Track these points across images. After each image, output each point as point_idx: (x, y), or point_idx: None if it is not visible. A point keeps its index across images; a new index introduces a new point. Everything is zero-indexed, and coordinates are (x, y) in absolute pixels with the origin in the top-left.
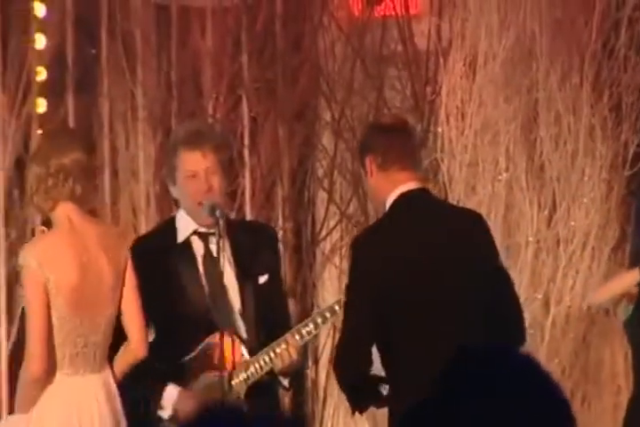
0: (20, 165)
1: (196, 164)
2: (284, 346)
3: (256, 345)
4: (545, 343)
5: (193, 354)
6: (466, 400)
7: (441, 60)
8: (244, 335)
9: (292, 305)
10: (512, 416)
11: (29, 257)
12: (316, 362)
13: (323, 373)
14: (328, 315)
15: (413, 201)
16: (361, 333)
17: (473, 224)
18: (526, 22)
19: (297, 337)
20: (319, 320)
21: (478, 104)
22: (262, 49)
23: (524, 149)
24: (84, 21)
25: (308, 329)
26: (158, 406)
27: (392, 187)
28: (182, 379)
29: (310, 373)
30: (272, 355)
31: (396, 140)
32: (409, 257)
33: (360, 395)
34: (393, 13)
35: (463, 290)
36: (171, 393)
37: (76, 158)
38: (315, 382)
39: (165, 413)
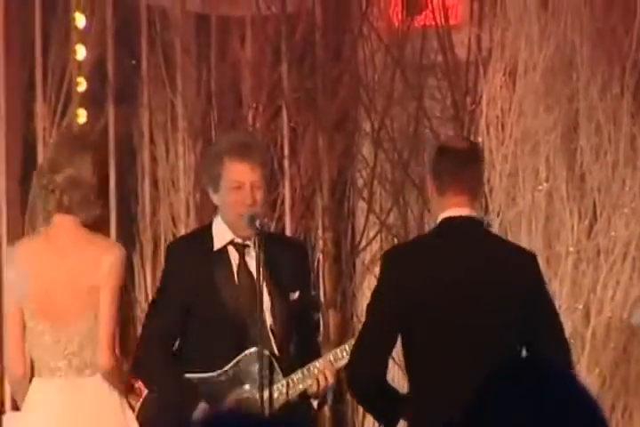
0: None
1: (243, 176)
2: (320, 368)
3: (286, 362)
4: (585, 354)
5: (226, 368)
6: (502, 414)
7: (481, 70)
8: (276, 351)
9: (331, 315)
10: None
11: (10, 264)
12: None
13: None
14: None
15: (458, 226)
16: (379, 339)
17: (517, 255)
18: (566, 32)
19: (333, 360)
20: None
21: (518, 114)
22: (302, 59)
23: (564, 160)
24: (123, 32)
25: (345, 353)
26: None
27: (443, 209)
28: (214, 392)
29: None
30: (307, 376)
31: (457, 166)
32: (440, 277)
33: (380, 405)
34: (433, 23)
35: (494, 314)
36: (200, 410)
37: (67, 175)
38: None
39: None
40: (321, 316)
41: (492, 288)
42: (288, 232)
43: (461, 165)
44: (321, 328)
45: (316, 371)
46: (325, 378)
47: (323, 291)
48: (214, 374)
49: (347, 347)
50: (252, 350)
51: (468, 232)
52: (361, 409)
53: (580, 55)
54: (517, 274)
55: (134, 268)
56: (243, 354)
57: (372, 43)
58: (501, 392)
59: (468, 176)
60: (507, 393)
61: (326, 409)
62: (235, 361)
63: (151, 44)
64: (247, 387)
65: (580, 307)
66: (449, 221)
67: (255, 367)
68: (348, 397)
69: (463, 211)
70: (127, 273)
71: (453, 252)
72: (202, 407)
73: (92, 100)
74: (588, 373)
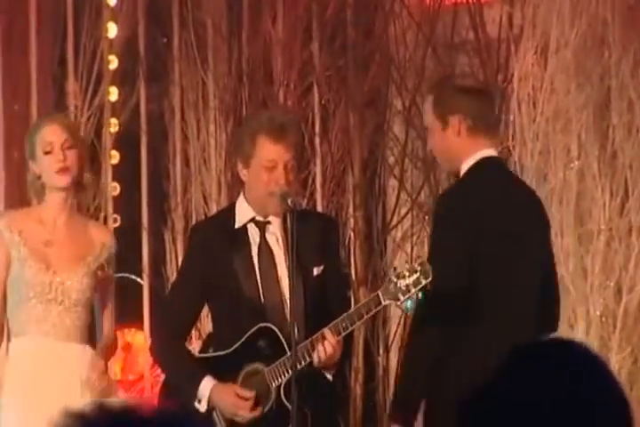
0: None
1: (277, 156)
2: (320, 340)
3: (302, 338)
4: (617, 332)
5: (236, 345)
6: (519, 394)
7: (512, 48)
8: (290, 327)
9: (362, 293)
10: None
11: None
12: (387, 350)
13: (394, 360)
14: (373, 307)
15: (496, 166)
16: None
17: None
18: (598, 9)
19: (334, 332)
20: (355, 318)
21: (550, 92)
22: (333, 36)
23: (595, 137)
24: (155, 10)
25: (344, 324)
26: (194, 397)
27: (475, 150)
28: (226, 369)
29: (382, 360)
30: (310, 349)
31: (485, 104)
32: (499, 209)
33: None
34: (464, 0)
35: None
36: (205, 387)
37: None
38: (385, 370)
39: (202, 406)
40: (352, 294)
41: (539, 222)
42: (319, 210)
43: (488, 104)
44: (352, 306)
45: (316, 344)
46: (324, 350)
47: (354, 269)
48: (226, 352)
49: (346, 319)
50: (259, 326)
51: (506, 173)
52: (392, 387)
53: (611, 32)
54: (542, 221)
55: (166, 245)
56: (250, 331)
57: (403, 20)
58: (520, 373)
59: (495, 116)
60: (526, 374)
61: (357, 387)
62: (243, 338)
63: (182, 22)
64: (257, 363)
65: (612, 284)
66: (487, 159)
67: (262, 343)
68: (380, 372)
69: (494, 152)
70: (159, 251)
71: (502, 188)
72: (207, 380)
73: (124, 79)
74: (619, 350)
